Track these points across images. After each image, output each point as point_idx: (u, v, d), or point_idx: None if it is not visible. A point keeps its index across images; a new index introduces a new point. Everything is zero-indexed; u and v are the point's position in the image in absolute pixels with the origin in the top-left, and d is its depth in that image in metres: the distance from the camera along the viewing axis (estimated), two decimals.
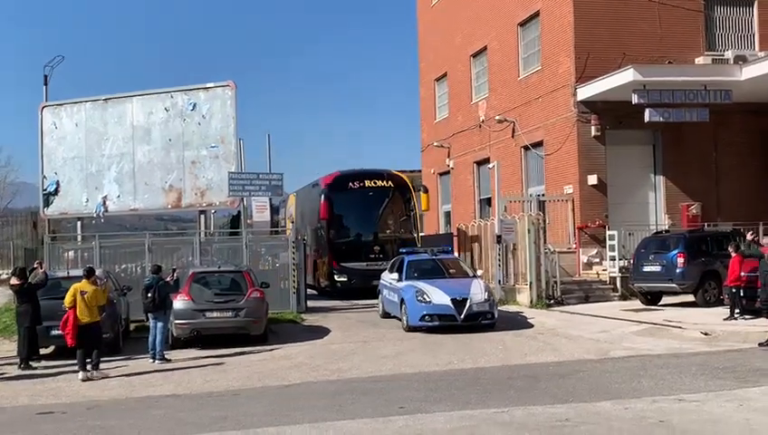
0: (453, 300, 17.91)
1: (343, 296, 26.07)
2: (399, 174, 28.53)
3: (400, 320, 18.84)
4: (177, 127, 24.48)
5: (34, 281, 16.14)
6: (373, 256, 26.07)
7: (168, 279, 16.46)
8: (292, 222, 27.04)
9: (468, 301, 17.90)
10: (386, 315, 20.67)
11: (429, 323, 17.89)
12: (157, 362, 15.28)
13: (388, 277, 20.63)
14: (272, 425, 9.55)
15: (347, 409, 10.37)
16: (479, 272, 20.76)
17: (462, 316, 17.78)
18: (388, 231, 27.29)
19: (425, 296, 18.10)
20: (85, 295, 14.17)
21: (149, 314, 15.87)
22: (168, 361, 15.37)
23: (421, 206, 27.66)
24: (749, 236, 16.55)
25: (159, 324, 15.62)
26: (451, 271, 20.10)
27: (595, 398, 10.39)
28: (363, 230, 27.24)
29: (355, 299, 25.17)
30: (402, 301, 18.67)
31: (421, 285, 18.54)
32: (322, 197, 27.11)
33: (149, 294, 15.74)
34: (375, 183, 27.18)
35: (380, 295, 21.30)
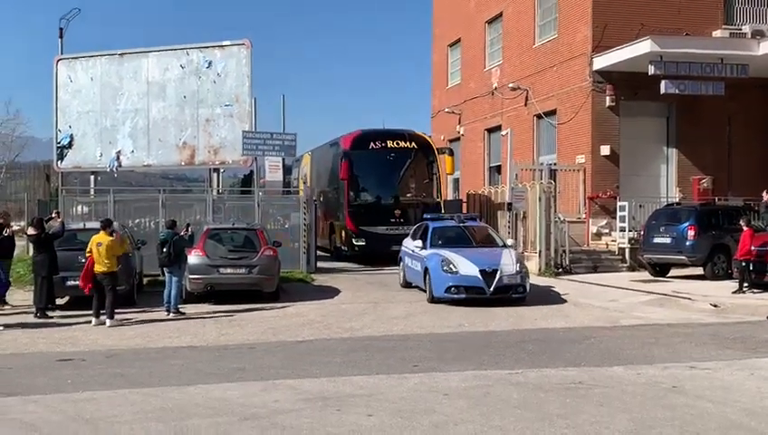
0: (482, 271, 16.64)
1: (360, 261, 25.37)
2: (423, 135, 27.40)
3: (424, 290, 17.78)
4: (192, 84, 24.53)
5: (51, 231, 16.27)
6: (394, 220, 24.98)
7: (183, 233, 16.56)
8: (305, 183, 26.48)
9: (498, 272, 16.63)
10: (407, 285, 19.49)
11: (455, 296, 16.69)
12: (171, 315, 15.45)
13: (411, 244, 19.29)
14: (290, 377, 9.73)
15: (362, 365, 10.52)
16: (509, 241, 19.56)
17: (491, 289, 16.56)
18: (409, 194, 26.08)
19: (451, 266, 16.82)
20: (101, 247, 14.41)
21: (165, 269, 15.99)
22: (183, 314, 15.55)
23: (445, 169, 26.31)
24: (765, 196, 16.24)
25: (174, 278, 15.77)
26: (479, 240, 18.97)
27: (607, 363, 10.54)
28: (384, 193, 25.93)
29: (373, 264, 24.49)
30: (426, 270, 17.46)
31: (447, 253, 17.27)
32: (343, 156, 25.63)
33: (165, 249, 15.85)
34: (397, 144, 25.92)
35: (401, 263, 20.07)
